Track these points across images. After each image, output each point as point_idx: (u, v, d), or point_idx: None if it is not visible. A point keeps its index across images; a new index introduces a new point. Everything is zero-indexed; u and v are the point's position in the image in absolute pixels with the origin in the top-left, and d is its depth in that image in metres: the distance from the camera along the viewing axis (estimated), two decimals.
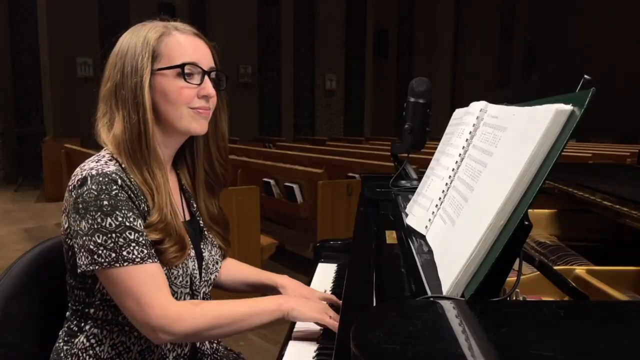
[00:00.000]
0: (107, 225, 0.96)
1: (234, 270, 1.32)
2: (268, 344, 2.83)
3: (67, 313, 1.10)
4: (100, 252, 0.96)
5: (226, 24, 10.30)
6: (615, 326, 0.63)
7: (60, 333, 1.10)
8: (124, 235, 0.96)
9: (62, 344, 1.08)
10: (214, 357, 1.21)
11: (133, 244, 0.97)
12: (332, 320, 1.06)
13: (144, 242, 0.98)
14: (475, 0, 13.98)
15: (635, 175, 1.89)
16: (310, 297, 1.21)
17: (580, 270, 0.95)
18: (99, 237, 0.96)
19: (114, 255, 0.96)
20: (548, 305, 0.76)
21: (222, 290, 1.33)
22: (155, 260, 1.00)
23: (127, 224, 0.97)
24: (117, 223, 0.96)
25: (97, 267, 0.96)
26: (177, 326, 0.98)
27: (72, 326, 1.08)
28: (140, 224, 0.99)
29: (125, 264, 0.96)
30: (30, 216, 6.15)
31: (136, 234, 0.98)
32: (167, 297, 0.99)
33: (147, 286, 0.97)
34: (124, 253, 0.96)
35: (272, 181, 4.22)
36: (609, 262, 1.01)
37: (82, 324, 1.07)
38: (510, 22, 14.83)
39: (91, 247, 0.96)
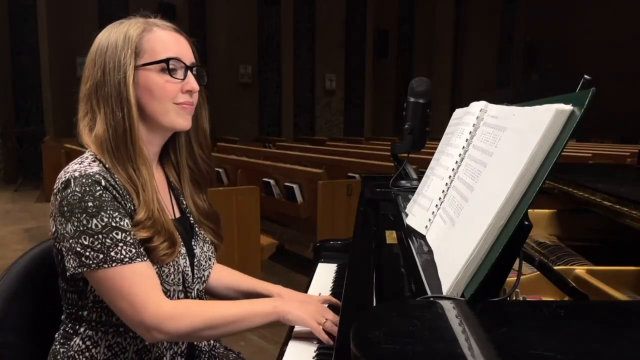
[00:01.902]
0: (93, 227, 0.95)
1: (226, 277, 1.30)
2: (268, 343, 2.83)
3: (62, 316, 1.10)
4: (87, 254, 0.95)
5: (226, 24, 10.29)
6: (615, 326, 0.63)
7: (56, 335, 1.10)
8: (110, 235, 0.95)
9: (58, 346, 1.07)
10: (211, 354, 1.21)
11: (120, 244, 0.96)
12: (324, 333, 1.05)
13: (131, 241, 0.97)
14: (475, 0, 13.97)
15: (635, 175, 1.90)
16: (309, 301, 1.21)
17: (580, 270, 0.95)
18: (85, 238, 0.95)
19: (102, 256, 0.95)
20: (548, 305, 0.76)
21: (212, 297, 1.31)
22: (145, 259, 0.99)
23: (114, 224, 0.96)
24: (103, 224, 0.95)
25: (85, 269, 0.96)
26: (171, 325, 0.97)
27: (67, 329, 1.08)
28: (127, 223, 0.98)
29: (114, 264, 0.95)
30: (30, 216, 6.16)
31: (123, 234, 0.97)
32: (159, 296, 0.98)
33: (138, 286, 0.96)
34: (112, 253, 0.95)
35: (272, 181, 4.22)
36: (609, 262, 1.01)
37: (77, 327, 1.06)
38: (510, 22, 14.83)
39: (78, 249, 0.95)
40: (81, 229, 0.95)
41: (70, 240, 0.96)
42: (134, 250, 0.97)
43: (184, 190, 1.19)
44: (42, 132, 8.59)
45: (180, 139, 1.17)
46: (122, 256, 0.96)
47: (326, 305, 1.21)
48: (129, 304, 0.96)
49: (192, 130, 1.15)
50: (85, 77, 1.06)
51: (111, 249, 0.95)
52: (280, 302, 1.08)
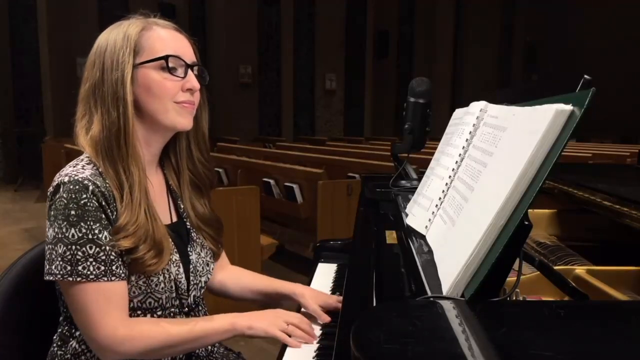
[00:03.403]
0: (70, 236, 0.94)
1: (243, 278, 1.29)
2: (268, 344, 2.82)
3: (60, 318, 1.10)
4: (57, 262, 0.95)
5: (226, 24, 10.29)
6: (615, 326, 0.63)
7: (54, 337, 1.09)
8: (83, 249, 0.95)
9: (56, 348, 1.07)
10: (210, 357, 1.20)
11: (90, 259, 0.95)
12: (289, 339, 1.05)
13: (103, 257, 0.96)
14: (475, 0, 13.97)
15: (635, 175, 1.90)
16: (330, 299, 1.22)
17: (580, 270, 0.95)
18: (60, 247, 0.95)
19: (69, 268, 0.94)
20: (548, 305, 0.76)
21: (228, 298, 1.30)
22: (114, 278, 0.97)
23: (90, 236, 0.95)
24: (80, 235, 0.95)
25: (51, 277, 0.96)
26: (125, 347, 0.97)
27: (64, 331, 1.07)
28: (105, 236, 0.97)
29: (78, 278, 0.95)
30: (30, 216, 6.15)
31: (97, 249, 0.96)
32: (117, 318, 0.97)
33: (97, 305, 0.96)
34: (79, 268, 0.94)
35: (272, 181, 4.22)
36: (609, 262, 1.01)
37: (73, 330, 1.06)
38: (510, 22, 14.83)
39: (52, 256, 0.95)
40: (59, 236, 0.95)
41: (49, 246, 0.96)
42: (102, 268, 0.96)
43: (183, 194, 1.17)
44: (42, 132, 8.58)
45: (181, 142, 1.15)
46: (88, 272, 0.95)
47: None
48: (86, 320, 0.96)
49: (192, 132, 1.14)
50: (85, 78, 1.05)
51: (80, 263, 0.95)
52: (239, 318, 1.06)
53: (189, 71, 1.06)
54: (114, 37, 1.03)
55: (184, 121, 1.06)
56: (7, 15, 8.67)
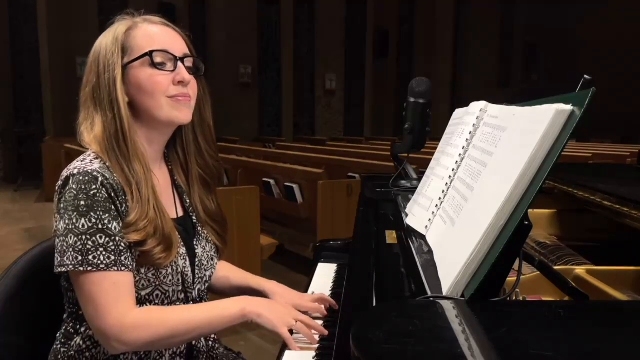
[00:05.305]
0: (80, 227, 0.95)
1: (224, 272, 1.30)
2: (268, 344, 2.82)
3: (64, 315, 1.10)
4: (69, 254, 0.95)
5: (226, 24, 10.29)
6: (615, 326, 0.63)
7: (57, 335, 1.10)
8: (93, 238, 0.95)
9: (59, 346, 1.08)
10: (210, 355, 1.21)
11: (101, 249, 0.96)
12: (293, 342, 1.03)
13: (113, 247, 0.97)
14: (475, 0, 13.97)
15: (635, 175, 1.90)
16: (301, 301, 1.19)
17: (580, 270, 0.95)
18: (70, 237, 0.95)
19: (80, 258, 0.95)
20: (548, 305, 0.76)
21: (210, 291, 1.29)
22: (123, 268, 0.98)
23: (100, 226, 0.96)
24: (90, 225, 0.95)
25: (62, 269, 0.96)
26: (132, 336, 0.96)
27: (68, 328, 1.08)
28: (115, 226, 0.98)
29: (88, 268, 0.95)
30: (30, 216, 6.15)
31: (107, 239, 0.96)
32: (126, 307, 0.97)
33: (106, 294, 0.96)
34: (90, 257, 0.95)
35: (272, 181, 4.22)
36: (609, 262, 1.01)
37: (78, 326, 1.06)
38: (510, 22, 14.83)
39: (63, 248, 0.96)
40: (69, 227, 0.96)
41: (60, 238, 0.97)
42: (112, 258, 0.97)
43: (192, 190, 1.18)
44: (42, 132, 8.59)
45: (187, 137, 1.16)
46: (98, 261, 0.96)
47: (321, 305, 1.20)
48: (94, 310, 0.96)
49: (197, 124, 1.15)
50: (84, 82, 1.08)
51: (90, 253, 0.95)
52: (250, 302, 1.05)
53: (179, 63, 1.06)
54: (105, 40, 1.06)
55: (180, 115, 1.07)
56: (7, 15, 8.67)
